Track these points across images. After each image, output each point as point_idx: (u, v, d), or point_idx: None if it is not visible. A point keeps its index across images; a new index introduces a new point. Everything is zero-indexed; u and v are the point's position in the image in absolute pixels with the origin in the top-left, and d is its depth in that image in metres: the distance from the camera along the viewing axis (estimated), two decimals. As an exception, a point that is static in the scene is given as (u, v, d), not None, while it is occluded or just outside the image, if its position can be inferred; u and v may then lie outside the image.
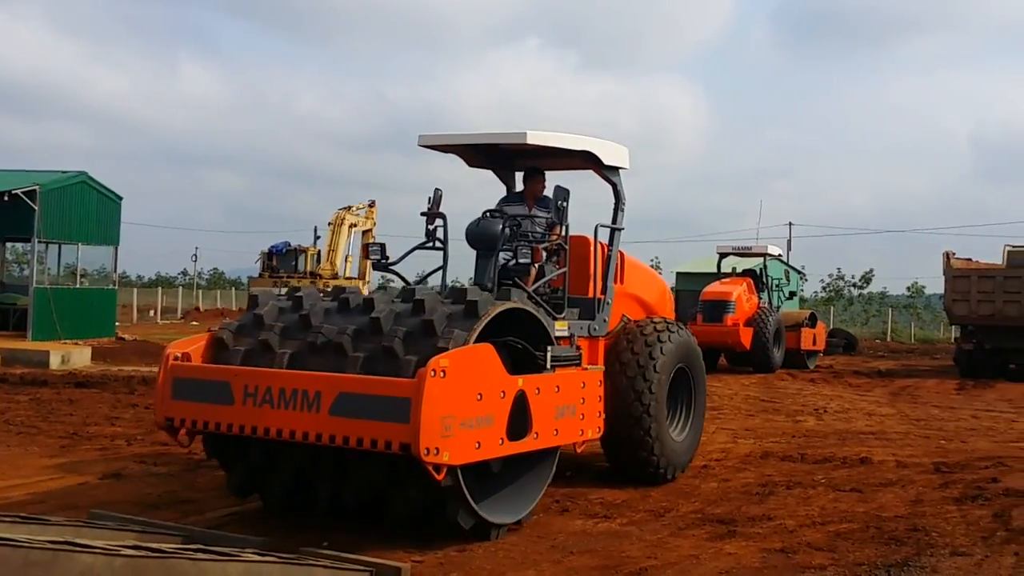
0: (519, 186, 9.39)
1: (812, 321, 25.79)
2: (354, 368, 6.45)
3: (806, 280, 51.20)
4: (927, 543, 6.86)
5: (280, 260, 27.07)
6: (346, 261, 27.02)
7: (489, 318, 6.62)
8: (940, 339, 42.13)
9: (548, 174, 9.20)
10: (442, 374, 5.93)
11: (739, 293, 23.52)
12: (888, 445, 11.77)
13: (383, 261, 8.34)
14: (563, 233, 8.38)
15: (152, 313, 45.78)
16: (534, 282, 8.13)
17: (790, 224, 62.67)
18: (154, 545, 4.57)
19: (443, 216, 8.38)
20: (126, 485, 8.38)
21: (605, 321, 8.74)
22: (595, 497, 8.24)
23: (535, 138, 8.25)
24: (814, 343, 25.64)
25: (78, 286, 26.37)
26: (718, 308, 23.24)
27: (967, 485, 9.01)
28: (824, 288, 54.20)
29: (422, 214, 8.37)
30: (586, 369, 7.75)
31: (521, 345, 7.07)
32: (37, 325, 23.37)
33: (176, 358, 7.00)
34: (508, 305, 6.91)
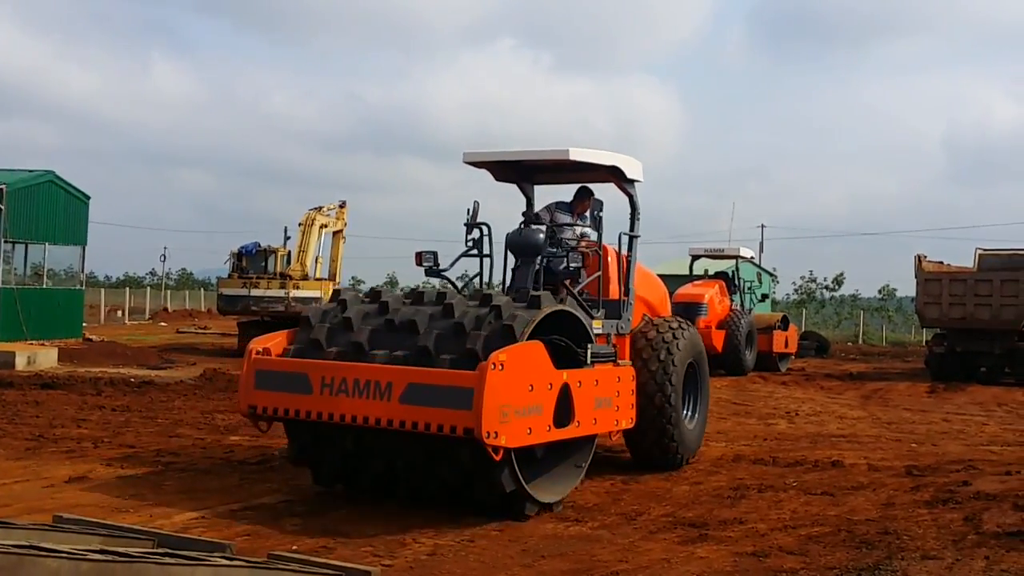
0: (537, 199, 10.25)
1: (784, 324, 25.89)
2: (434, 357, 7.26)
3: (778, 282, 51.47)
4: (898, 547, 6.87)
5: (250, 261, 26.83)
6: (316, 262, 26.83)
7: (539, 319, 7.40)
8: (912, 342, 42.41)
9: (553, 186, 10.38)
10: (500, 367, 6.73)
11: (711, 295, 23.57)
12: (860, 448, 11.81)
13: (435, 268, 9.18)
14: (599, 242, 9.29)
15: (120, 314, 45.39)
16: (573, 286, 8.94)
17: (762, 226, 63.11)
18: (121, 549, 4.49)
19: (487, 225, 9.29)
20: (93, 488, 8.27)
21: (629, 320, 9.54)
22: (567, 501, 8.21)
23: (576, 154, 8.96)
24: (786, 346, 25.74)
25: (45, 286, 26.07)
26: (690, 310, 23.24)
27: (938, 488, 9.05)
28: (796, 291, 54.48)
29: (464, 224, 9.19)
30: (619, 365, 8.62)
31: (564, 343, 7.80)
32: (3, 326, 23.08)
33: (258, 352, 7.82)
34: (555, 307, 7.70)
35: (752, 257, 28.38)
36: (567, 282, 8.97)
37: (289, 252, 27.02)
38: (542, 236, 9.03)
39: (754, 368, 23.82)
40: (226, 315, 27.76)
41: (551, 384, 7.31)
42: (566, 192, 10.22)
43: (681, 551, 6.74)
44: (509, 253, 9.31)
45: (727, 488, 9.00)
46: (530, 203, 10.22)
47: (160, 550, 4.81)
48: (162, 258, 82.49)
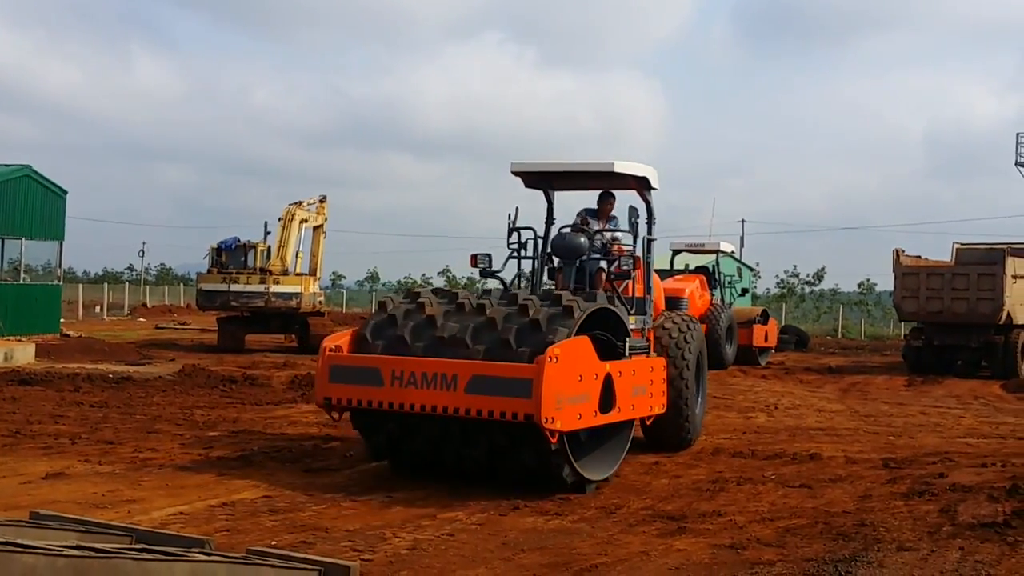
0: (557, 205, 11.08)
1: (764, 318, 25.98)
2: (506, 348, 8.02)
3: (759, 277, 51.68)
4: (874, 538, 6.93)
5: (229, 256, 26.65)
6: (297, 257, 26.70)
7: (584, 316, 8.21)
8: (890, 336, 42.68)
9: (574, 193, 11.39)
10: (556, 360, 7.51)
11: (692, 290, 23.58)
12: (838, 441, 11.89)
13: (489, 269, 10.10)
14: (635, 245, 10.11)
15: (98, 309, 45.13)
16: (609, 284, 9.89)
17: (743, 221, 63.45)
18: (98, 545, 4.46)
19: (532, 229, 10.29)
20: (70, 484, 8.23)
21: (651, 316, 10.43)
22: (547, 494, 8.23)
23: (619, 167, 9.97)
24: (766, 340, 25.84)
25: (22, 282, 25.89)
26: (671, 305, 23.26)
27: (915, 480, 9.12)
28: (777, 285, 54.72)
29: (510, 229, 10.03)
30: (651, 356, 9.59)
31: (606, 337, 8.67)
32: (-20, 321, 22.91)
33: (332, 349, 8.55)
34: (599, 305, 8.64)
35: (732, 252, 28.48)
36: (614, 282, 9.93)
37: (269, 247, 26.88)
38: (584, 240, 10.04)
39: (734, 362, 23.91)
40: (205, 311, 27.66)
41: (596, 374, 8.11)
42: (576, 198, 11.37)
43: (660, 544, 6.77)
44: (553, 255, 10.41)
45: (706, 481, 9.05)
46: (551, 207, 11.01)
47: (138, 546, 4.79)
48: (141, 253, 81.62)
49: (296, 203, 26.75)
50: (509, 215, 10.05)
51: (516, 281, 10.32)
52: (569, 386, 7.69)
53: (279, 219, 26.45)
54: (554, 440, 7.64)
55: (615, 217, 10.70)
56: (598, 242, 10.26)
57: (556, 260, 10.48)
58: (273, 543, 6.03)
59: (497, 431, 8.04)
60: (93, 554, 4.16)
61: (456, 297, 8.86)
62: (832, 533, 7.08)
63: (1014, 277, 22.44)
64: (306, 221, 26.89)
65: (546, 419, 7.46)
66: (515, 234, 10.09)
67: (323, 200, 27.91)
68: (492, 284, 10.58)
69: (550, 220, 10.90)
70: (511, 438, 8.06)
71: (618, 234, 10.50)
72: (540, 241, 10.46)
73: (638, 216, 10.07)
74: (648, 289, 10.34)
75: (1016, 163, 54.31)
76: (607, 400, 8.25)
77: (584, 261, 10.10)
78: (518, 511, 7.65)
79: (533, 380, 7.49)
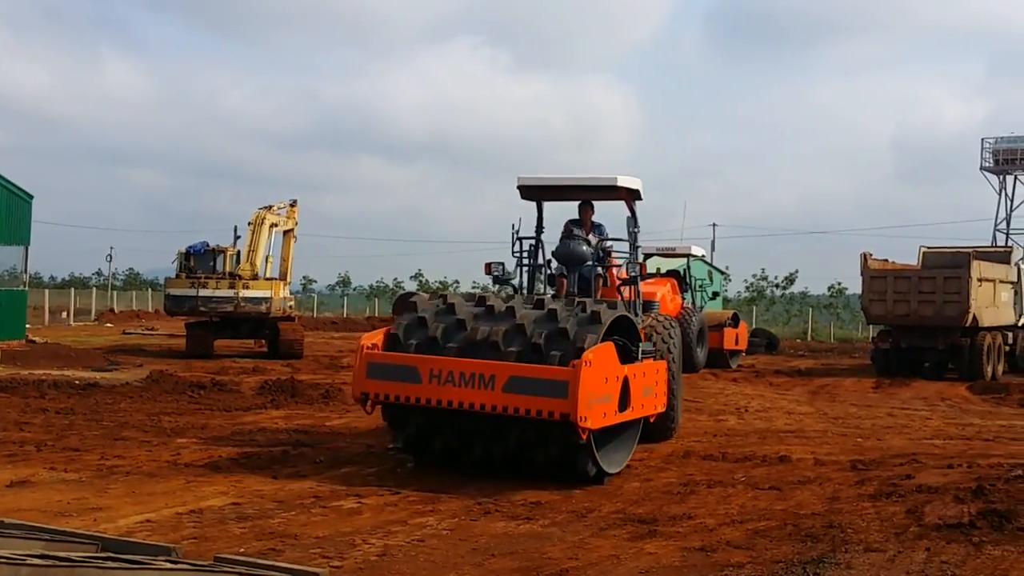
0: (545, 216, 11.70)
1: (735, 321, 26.11)
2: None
3: (730, 280, 52.00)
4: (842, 540, 6.97)
5: (198, 260, 26.41)
6: (267, 262, 26.52)
7: (608, 323, 8.87)
8: (858, 338, 43.04)
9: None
10: (590, 364, 8.15)
11: (663, 294, 23.60)
12: (807, 443, 11.97)
13: (503, 276, 10.81)
14: (634, 252, 11.12)
15: (64, 315, 44.66)
16: (617, 291, 10.93)
17: (714, 225, 63.81)
18: (63, 554, 4.41)
19: (539, 239, 11.22)
20: (35, 492, 8.13)
21: (642, 318, 10.99)
22: (518, 499, 8.23)
23: (622, 181, 10.77)
24: (736, 343, 25.96)
25: (-13, 287, 25.58)
26: (643, 308, 23.37)
27: (882, 482, 9.19)
28: (747, 288, 55.03)
29: (518, 238, 10.87)
30: (656, 359, 10.19)
31: (622, 342, 9.25)
32: (-56, 327, 22.62)
33: (369, 347, 9.06)
34: (620, 312, 9.35)
35: (703, 255, 28.59)
36: (630, 288, 10.95)
37: (239, 252, 26.69)
38: (586, 248, 10.87)
39: (705, 365, 23.99)
40: (174, 316, 27.40)
41: (618, 377, 8.78)
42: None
43: (630, 547, 6.78)
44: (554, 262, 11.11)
45: (677, 484, 9.08)
46: (541, 217, 11.58)
47: (104, 554, 4.74)
48: (108, 258, 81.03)
49: (266, 207, 26.58)
50: (513, 225, 10.87)
51: (531, 285, 11.23)
52: (598, 388, 8.34)
53: (249, 223, 26.25)
54: (584, 436, 8.22)
55: (600, 225, 11.40)
56: (595, 250, 11.02)
57: (555, 266, 11.23)
58: (241, 551, 5.99)
59: (527, 427, 8.64)
60: (58, 563, 4.11)
61: (485, 300, 9.36)
62: (801, 535, 7.12)
63: (979, 280, 22.71)
64: (276, 225, 26.72)
65: (581, 418, 8.06)
66: (519, 242, 10.92)
67: (293, 204, 27.75)
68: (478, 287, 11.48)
69: (540, 229, 11.50)
70: (540, 434, 8.66)
71: (608, 244, 11.29)
72: (534, 248, 11.23)
73: (636, 226, 11.03)
74: (638, 293, 11.19)
75: (981, 168, 55.13)
76: (624, 400, 8.94)
77: (585, 268, 10.92)
78: (489, 516, 7.63)
79: (570, 382, 8.10)
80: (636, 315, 10.33)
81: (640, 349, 9.67)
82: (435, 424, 9.18)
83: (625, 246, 11.24)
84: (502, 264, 10.81)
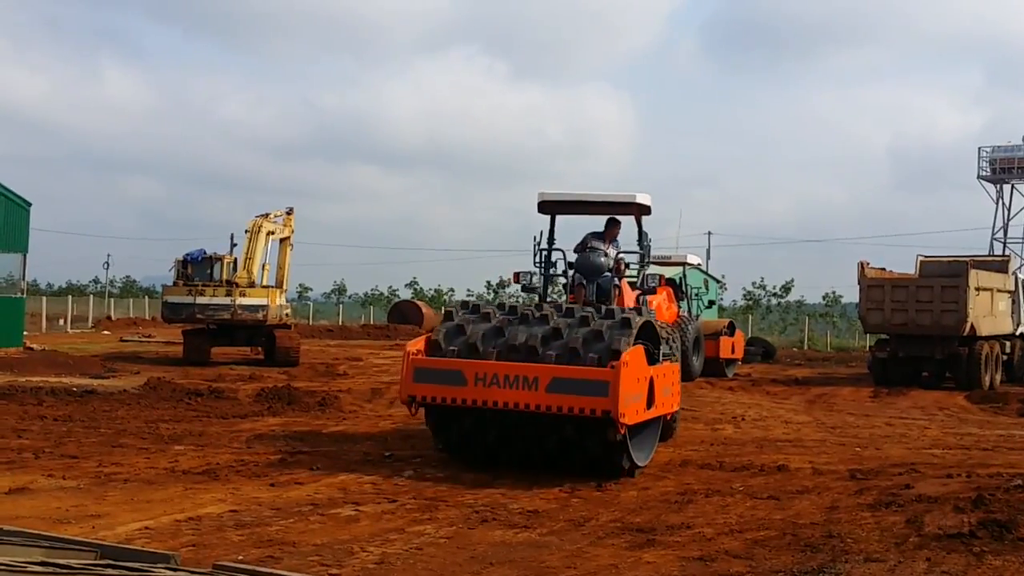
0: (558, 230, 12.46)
1: (731, 330, 26.10)
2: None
3: (726, 289, 51.96)
4: (842, 549, 6.96)
5: (195, 268, 26.39)
6: (263, 269, 26.51)
7: (638, 327, 9.50)
8: (855, 347, 43.01)
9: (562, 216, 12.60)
10: (627, 365, 8.87)
11: (659, 302, 23.56)
12: (805, 452, 11.96)
13: (530, 285, 11.69)
14: (647, 264, 12.03)
15: (62, 322, 44.60)
16: (636, 300, 11.88)
17: (709, 233, 63.81)
18: (62, 561, 4.41)
19: (562, 251, 12.05)
20: (34, 499, 8.11)
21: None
22: (516, 507, 8.22)
23: (640, 198, 11.79)
24: (733, 352, 25.96)
25: (-16, 294, 25.54)
26: (639, 317, 23.37)
27: (881, 492, 9.18)
28: (743, 297, 55.08)
29: (541, 249, 11.87)
30: (672, 362, 10.93)
31: (647, 346, 9.81)
32: (-59, 334, 22.58)
33: (414, 353, 9.64)
34: (648, 318, 10.15)
35: (699, 264, 28.63)
36: (647, 297, 11.99)
37: (235, 259, 26.66)
38: (604, 260, 11.78)
39: (701, 374, 23.98)
40: (171, 323, 27.37)
41: (646, 377, 9.49)
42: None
43: (629, 556, 6.77)
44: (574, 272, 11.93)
45: (674, 493, 9.07)
46: (553, 230, 12.26)
47: (103, 561, 4.73)
48: (105, 265, 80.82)
49: (263, 215, 26.58)
50: (535, 238, 11.82)
51: (545, 294, 11.99)
52: (633, 387, 9.04)
53: (246, 231, 26.25)
54: (622, 432, 8.91)
55: (615, 239, 12.25)
56: (612, 262, 11.92)
57: (573, 276, 11.97)
58: (240, 558, 5.98)
59: (568, 425, 9.28)
60: (58, 570, 4.11)
61: (516, 310, 10.05)
62: (800, 545, 7.11)
63: (977, 289, 22.71)
64: (273, 233, 26.72)
65: (620, 415, 8.76)
66: (539, 254, 11.83)
67: (290, 212, 27.77)
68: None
69: (552, 240, 12.20)
70: (579, 431, 9.28)
71: (624, 255, 12.14)
72: (547, 259, 11.98)
73: (649, 240, 11.98)
74: (644, 301, 12.05)
75: (978, 177, 55.27)
76: (650, 399, 9.63)
77: (603, 279, 11.75)
78: (486, 524, 7.63)
79: (610, 382, 8.79)
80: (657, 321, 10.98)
81: (661, 352, 10.35)
82: (480, 425, 9.74)
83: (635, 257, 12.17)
84: (531, 274, 11.69)
